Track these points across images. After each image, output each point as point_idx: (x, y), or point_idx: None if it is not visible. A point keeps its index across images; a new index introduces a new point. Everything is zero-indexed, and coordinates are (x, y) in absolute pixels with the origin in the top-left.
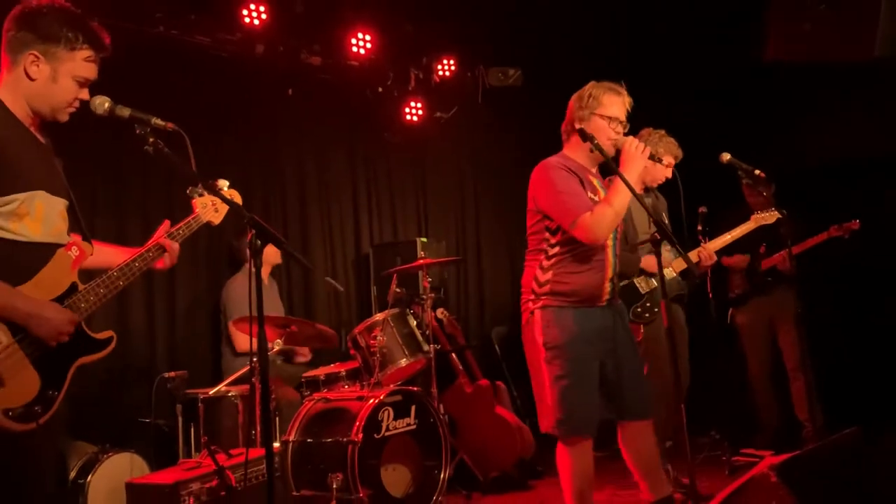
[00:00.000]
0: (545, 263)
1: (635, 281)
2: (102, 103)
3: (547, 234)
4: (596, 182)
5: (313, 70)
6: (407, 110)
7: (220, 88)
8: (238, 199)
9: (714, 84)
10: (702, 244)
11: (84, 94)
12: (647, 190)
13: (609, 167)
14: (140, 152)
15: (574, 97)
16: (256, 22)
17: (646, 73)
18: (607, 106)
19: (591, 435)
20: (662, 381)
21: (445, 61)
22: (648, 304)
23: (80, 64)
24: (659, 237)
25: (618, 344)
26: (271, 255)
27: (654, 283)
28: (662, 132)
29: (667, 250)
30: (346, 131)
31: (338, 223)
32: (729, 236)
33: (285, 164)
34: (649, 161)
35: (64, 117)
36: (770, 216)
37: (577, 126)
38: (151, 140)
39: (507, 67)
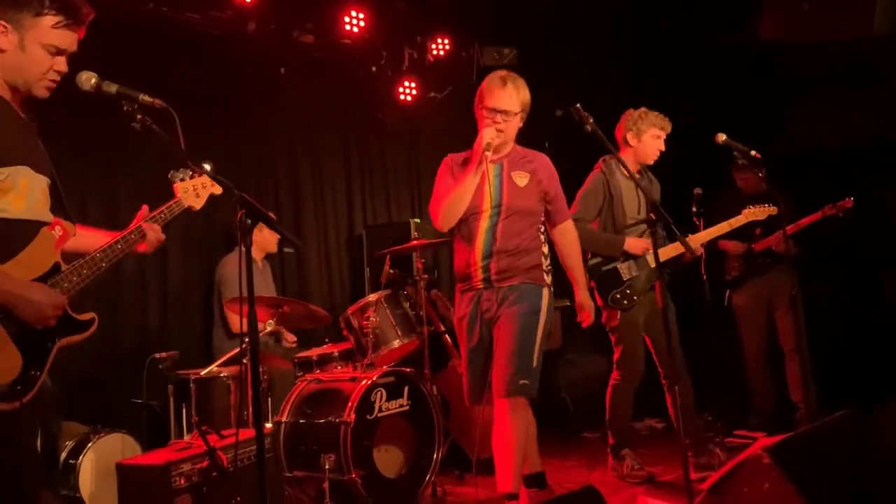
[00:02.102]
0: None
1: (618, 266)
2: (89, 79)
3: None
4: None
5: (306, 49)
6: (401, 90)
7: (210, 67)
8: (217, 188)
9: (708, 63)
10: (699, 227)
11: (60, 65)
12: (641, 173)
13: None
14: (132, 134)
15: None
16: None
17: (643, 50)
18: (487, 98)
19: (473, 403)
20: (634, 370)
21: (440, 40)
22: (628, 292)
23: (47, 31)
24: (654, 217)
25: (500, 322)
26: (265, 242)
27: (635, 271)
28: (643, 109)
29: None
30: (339, 111)
31: (330, 204)
32: (717, 230)
33: (277, 145)
34: (634, 139)
35: (41, 92)
36: (762, 211)
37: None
38: (139, 117)
39: (503, 47)
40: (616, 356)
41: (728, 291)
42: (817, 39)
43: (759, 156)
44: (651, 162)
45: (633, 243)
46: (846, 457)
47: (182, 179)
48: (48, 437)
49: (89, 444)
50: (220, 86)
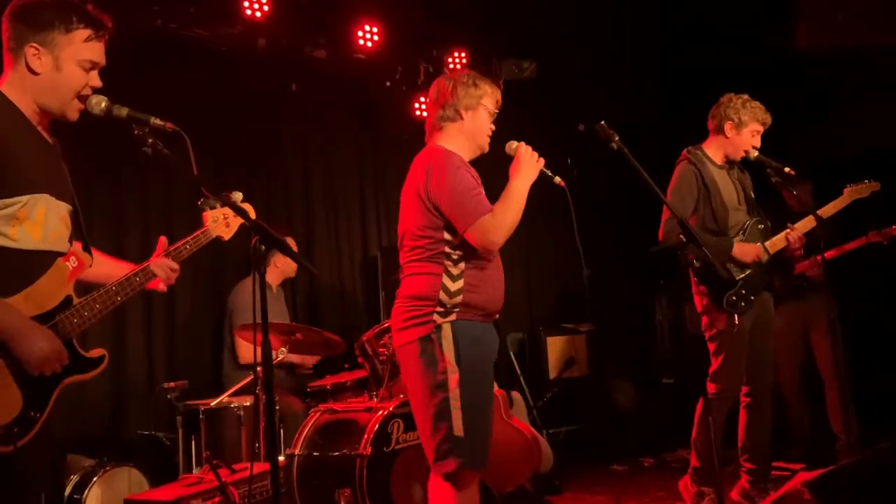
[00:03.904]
0: (453, 270)
1: (728, 265)
2: (99, 103)
3: (447, 235)
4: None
5: (318, 64)
6: (416, 105)
7: (220, 84)
8: (251, 212)
9: (739, 75)
10: (788, 226)
11: (94, 80)
12: (730, 164)
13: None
14: (139, 157)
15: (449, 80)
16: (258, 14)
17: (668, 61)
18: (491, 98)
19: (483, 469)
20: (734, 382)
21: (457, 54)
22: (744, 292)
23: (81, 46)
24: (684, 239)
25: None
26: (287, 267)
27: (747, 269)
28: (745, 97)
29: (761, 227)
30: (353, 128)
31: (344, 224)
32: (817, 216)
33: (289, 163)
34: (733, 130)
35: (73, 114)
36: (864, 188)
37: (463, 113)
38: (150, 141)
39: (522, 60)
40: (714, 366)
41: None
42: (857, 45)
43: (793, 172)
44: (738, 159)
45: (743, 250)
46: (891, 492)
47: (213, 207)
48: (52, 471)
49: (95, 479)
50: (230, 103)
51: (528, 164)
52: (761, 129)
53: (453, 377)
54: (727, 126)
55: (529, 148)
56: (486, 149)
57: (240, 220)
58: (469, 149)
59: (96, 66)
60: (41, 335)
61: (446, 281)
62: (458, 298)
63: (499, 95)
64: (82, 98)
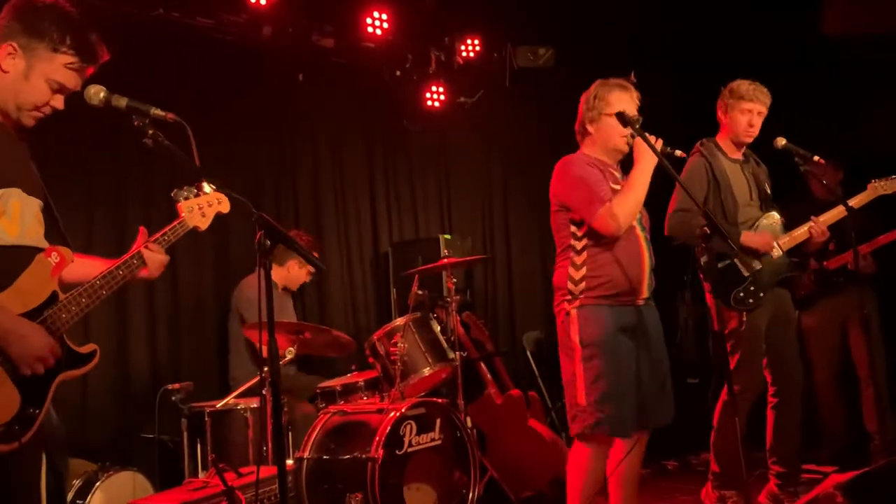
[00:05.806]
0: (577, 260)
1: (736, 261)
2: (97, 93)
3: (573, 229)
4: (618, 174)
5: (326, 53)
6: (428, 95)
7: (224, 74)
8: (226, 205)
9: (771, 60)
10: (812, 219)
11: (57, 103)
12: (745, 157)
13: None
14: (141, 147)
15: (583, 98)
16: (263, 1)
17: (688, 51)
18: (615, 104)
19: (626, 436)
20: (752, 381)
21: (469, 41)
22: (752, 289)
23: (59, 68)
24: (708, 231)
25: (651, 344)
26: (295, 277)
27: (758, 264)
28: (738, 81)
29: (772, 223)
30: (362, 119)
31: (354, 219)
32: (842, 208)
33: (296, 156)
34: (724, 116)
35: (28, 121)
36: (890, 184)
37: (589, 128)
38: (151, 132)
39: (538, 46)
40: (731, 366)
41: (797, 311)
42: (883, 32)
43: (822, 161)
44: (747, 140)
45: (753, 237)
46: None
47: (186, 198)
48: (55, 476)
49: (97, 483)
50: (235, 94)
51: (645, 151)
52: (751, 106)
53: (577, 355)
54: (720, 114)
55: (645, 135)
56: (625, 150)
57: (215, 210)
58: (604, 154)
59: (65, 92)
60: (33, 333)
61: (571, 271)
62: (582, 285)
63: (629, 98)
64: (45, 113)
